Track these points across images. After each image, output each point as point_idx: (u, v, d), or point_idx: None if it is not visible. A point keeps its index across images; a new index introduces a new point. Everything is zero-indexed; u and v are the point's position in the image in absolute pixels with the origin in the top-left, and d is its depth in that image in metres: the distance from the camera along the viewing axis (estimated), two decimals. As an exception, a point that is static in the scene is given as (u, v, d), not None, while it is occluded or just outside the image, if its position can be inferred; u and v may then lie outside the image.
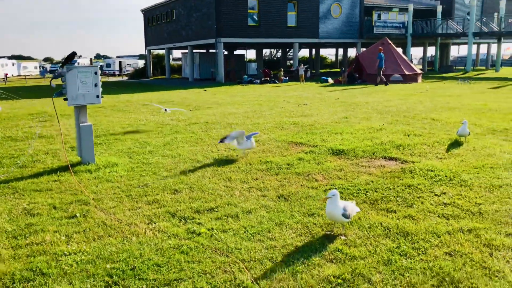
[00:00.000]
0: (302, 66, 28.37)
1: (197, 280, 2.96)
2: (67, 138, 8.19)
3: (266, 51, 45.79)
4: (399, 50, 25.92)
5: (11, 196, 4.83)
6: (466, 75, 30.01)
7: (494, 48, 45.41)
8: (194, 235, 3.71)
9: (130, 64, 52.34)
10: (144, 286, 2.90)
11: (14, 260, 3.30)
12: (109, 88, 23.91)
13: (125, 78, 43.20)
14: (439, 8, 36.24)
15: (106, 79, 41.77)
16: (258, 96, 16.83)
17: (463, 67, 40.60)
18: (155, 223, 4.00)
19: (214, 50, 35.59)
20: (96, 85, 6.06)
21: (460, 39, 37.28)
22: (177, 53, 48.04)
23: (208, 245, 3.50)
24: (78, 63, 50.60)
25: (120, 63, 52.67)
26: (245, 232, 3.76)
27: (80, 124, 6.13)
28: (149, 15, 40.00)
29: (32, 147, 7.40)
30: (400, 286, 2.85)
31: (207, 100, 15.54)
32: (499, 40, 34.27)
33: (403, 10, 37.02)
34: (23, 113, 12.46)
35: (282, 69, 29.32)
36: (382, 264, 3.13)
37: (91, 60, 50.34)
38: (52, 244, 3.57)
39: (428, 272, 2.99)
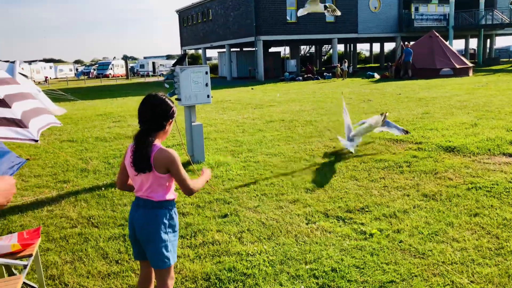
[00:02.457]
0: (345, 62, 27.87)
1: (412, 282, 2.87)
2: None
3: (303, 48, 45.47)
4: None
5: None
6: (515, 67, 29.01)
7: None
8: (367, 235, 3.62)
9: (164, 65, 52.88)
10: (359, 288, 2.83)
11: (200, 260, 3.29)
12: (160, 88, 24.18)
13: (161, 78, 43.70)
14: (482, -2, 35.14)
15: (141, 80, 42.38)
16: (312, 93, 16.67)
17: (507, 59, 39.33)
18: (314, 223, 3.93)
19: (249, 49, 35.73)
20: (207, 84, 6.06)
21: (504, 30, 35.95)
22: (209, 53, 48.32)
23: (392, 246, 3.40)
24: (113, 64, 51.55)
25: (153, 63, 53.30)
26: (419, 233, 3.64)
27: (192, 124, 6.14)
28: (184, 15, 40.27)
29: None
30: None
31: (261, 98, 15.48)
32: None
33: (443, 1, 36.08)
34: (90, 114, 12.68)
35: (338, 64, 28.73)
36: None
37: (126, 61, 51.02)
38: (227, 244, 3.54)
39: None
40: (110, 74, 50.00)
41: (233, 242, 3.58)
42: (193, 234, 3.78)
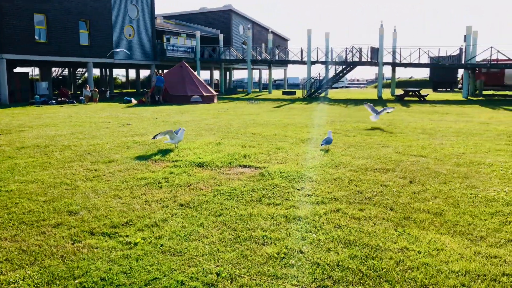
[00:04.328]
0: (88, 87, 27.02)
1: (172, 276, 3.41)
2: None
3: (55, 70, 42.07)
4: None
5: None
6: (248, 96, 34.67)
7: (264, 73, 53.60)
8: (132, 245, 4.00)
9: None
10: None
11: None
12: None
13: None
14: (221, 37, 40.83)
15: None
16: (68, 117, 15.89)
17: (242, 89, 46.58)
18: (80, 242, 4.05)
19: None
20: None
21: (239, 65, 42.52)
22: None
23: (155, 250, 3.89)
24: None
25: None
26: (177, 236, 4.26)
27: None
28: None
29: None
30: (317, 248, 3.97)
31: (9, 123, 13.85)
32: (270, 67, 40.83)
33: (191, 36, 40.12)
34: None
35: (96, 89, 27.74)
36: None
37: None
38: None
39: (328, 237, 4.22)
40: None
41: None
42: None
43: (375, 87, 51.85)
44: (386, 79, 55.51)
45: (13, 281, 3.26)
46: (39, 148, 8.96)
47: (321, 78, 33.36)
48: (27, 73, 32.88)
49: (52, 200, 5.38)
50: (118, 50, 29.51)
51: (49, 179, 6.43)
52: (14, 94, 27.15)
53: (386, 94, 34.23)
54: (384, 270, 3.53)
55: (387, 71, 47.87)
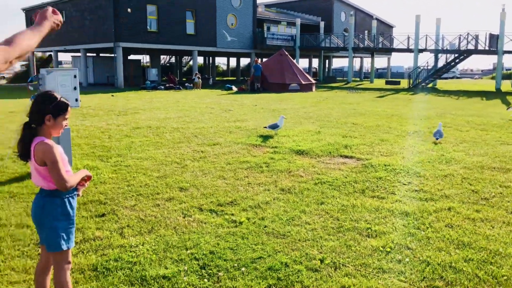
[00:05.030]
0: (197, 74, 29.09)
1: (276, 257, 3.48)
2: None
3: (163, 57, 45.25)
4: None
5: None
6: (348, 85, 33.77)
7: (366, 61, 51.67)
8: (237, 223, 4.16)
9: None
10: None
11: (84, 254, 3.39)
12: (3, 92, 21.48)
13: (3, 82, 38.77)
14: (321, 24, 40.14)
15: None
16: (175, 102, 16.97)
17: (342, 78, 45.46)
18: (190, 216, 4.32)
19: (107, 54, 34.26)
20: (75, 88, 5.96)
21: (339, 53, 41.55)
22: (61, 56, 44.60)
23: (259, 231, 4.00)
24: None
25: (-11, 63, 46.71)
26: (280, 219, 4.32)
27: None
28: (32, 14, 36.57)
29: None
30: (426, 246, 3.74)
31: (124, 105, 15.21)
32: (372, 55, 39.23)
33: (291, 24, 40.11)
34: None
35: (197, 73, 29.53)
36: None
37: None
38: (108, 239, 3.70)
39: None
40: None
41: (114, 237, 3.75)
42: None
43: (492, 78, 46.80)
44: (506, 69, 49.93)
45: (134, 245, 3.59)
46: (151, 129, 9.71)
47: (429, 67, 31.18)
48: (140, 60, 35.83)
49: (164, 176, 5.80)
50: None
51: (161, 157, 6.94)
52: (128, 79, 29.74)
53: (506, 86, 30.75)
54: (505, 278, 3.21)
55: (507, 60, 43.07)
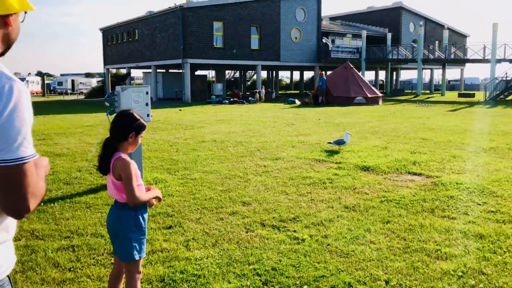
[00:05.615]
0: (262, 88, 30.35)
1: (340, 276, 3.41)
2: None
3: (228, 72, 46.60)
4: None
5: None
6: (417, 98, 32.43)
7: (436, 73, 49.42)
8: (299, 240, 4.13)
9: (83, 83, 50.83)
10: None
11: (152, 265, 3.55)
12: (84, 106, 23.22)
13: (81, 96, 41.99)
14: (388, 35, 39.11)
15: (60, 97, 40.37)
16: (239, 116, 17.33)
17: (410, 91, 43.76)
18: (253, 231, 4.36)
19: (175, 70, 35.92)
20: (147, 104, 6.31)
21: (408, 64, 40.14)
22: (134, 73, 47.53)
23: (322, 249, 3.95)
24: (27, 80, 48.51)
25: (72, 81, 51.02)
26: (343, 237, 4.23)
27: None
28: (109, 34, 39.45)
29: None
30: None
31: (191, 120, 15.79)
32: (444, 66, 37.43)
33: (356, 36, 39.52)
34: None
35: (257, 90, 30.49)
36: None
37: (43, 77, 48.19)
38: (175, 251, 3.84)
39: None
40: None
41: (180, 249, 3.88)
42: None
43: None
44: None
45: (199, 258, 3.69)
46: (216, 143, 9.98)
47: (508, 78, 29.13)
48: (206, 75, 37.10)
49: (228, 190, 5.92)
50: None
51: (225, 171, 7.10)
52: (195, 94, 30.89)
53: None
54: None
55: None
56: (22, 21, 1.48)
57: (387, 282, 3.32)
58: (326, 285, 3.27)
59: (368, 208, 5.13)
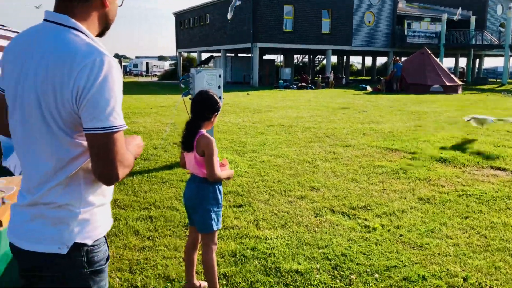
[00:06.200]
0: (331, 73, 29.72)
1: (413, 268, 3.29)
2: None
3: (296, 57, 46.18)
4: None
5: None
6: (503, 87, 29.97)
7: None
8: (370, 229, 4.03)
9: (157, 65, 53.06)
10: None
11: (224, 240, 3.66)
12: (158, 88, 24.29)
13: (155, 79, 43.92)
14: (472, 19, 36.24)
15: (135, 79, 42.50)
16: (307, 101, 17.16)
17: (495, 80, 40.49)
18: (322, 216, 4.33)
19: (244, 54, 36.23)
20: (219, 87, 6.44)
21: (493, 51, 37.13)
22: (204, 56, 48.66)
23: (394, 239, 3.83)
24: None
25: (147, 64, 53.46)
26: (417, 229, 4.07)
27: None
28: (181, 18, 40.64)
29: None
30: None
31: (259, 104, 15.91)
32: (534, 54, 34.10)
33: (435, 20, 37.15)
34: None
35: (320, 75, 30.10)
36: None
37: (120, 59, 51.00)
38: (245, 229, 3.92)
39: None
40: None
41: (250, 228, 3.96)
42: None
43: None
44: None
45: (269, 238, 3.74)
46: (284, 127, 9.98)
47: None
48: (274, 60, 37.05)
49: (296, 175, 5.91)
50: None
51: (293, 155, 7.09)
52: (262, 78, 31.01)
53: None
54: None
55: None
56: (120, 5, 1.55)
57: (465, 279, 3.15)
58: (398, 276, 3.17)
59: (445, 201, 4.87)
